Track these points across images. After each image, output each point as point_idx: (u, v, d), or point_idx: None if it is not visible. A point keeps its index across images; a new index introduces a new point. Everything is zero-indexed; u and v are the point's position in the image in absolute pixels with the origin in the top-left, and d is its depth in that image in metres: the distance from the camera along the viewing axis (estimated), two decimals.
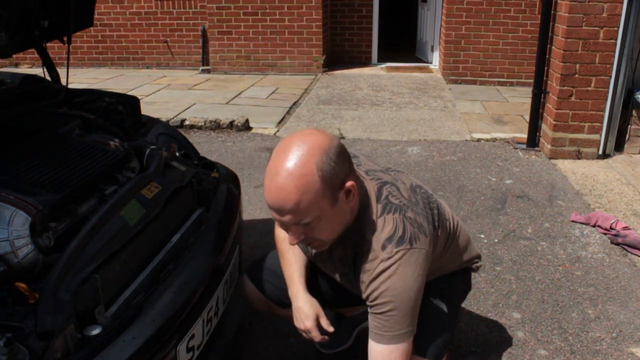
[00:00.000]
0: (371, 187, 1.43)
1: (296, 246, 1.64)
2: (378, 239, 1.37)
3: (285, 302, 1.73)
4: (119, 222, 1.44)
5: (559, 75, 4.09)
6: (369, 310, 1.42)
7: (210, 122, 5.08)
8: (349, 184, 1.29)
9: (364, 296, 1.41)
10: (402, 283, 1.34)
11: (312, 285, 1.73)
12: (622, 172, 3.97)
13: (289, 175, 1.22)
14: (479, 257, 1.79)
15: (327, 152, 1.24)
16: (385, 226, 1.38)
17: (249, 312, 2.22)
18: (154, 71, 7.93)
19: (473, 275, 2.61)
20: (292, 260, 1.68)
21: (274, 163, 1.25)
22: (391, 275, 1.34)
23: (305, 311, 1.60)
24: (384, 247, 1.36)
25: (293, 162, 1.22)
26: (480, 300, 2.45)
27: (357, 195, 1.34)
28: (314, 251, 1.60)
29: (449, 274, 1.71)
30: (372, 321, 1.41)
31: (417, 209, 1.44)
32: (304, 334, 1.64)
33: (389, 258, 1.34)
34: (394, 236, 1.36)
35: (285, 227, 1.34)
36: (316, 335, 1.60)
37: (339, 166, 1.26)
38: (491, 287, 2.55)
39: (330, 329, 1.60)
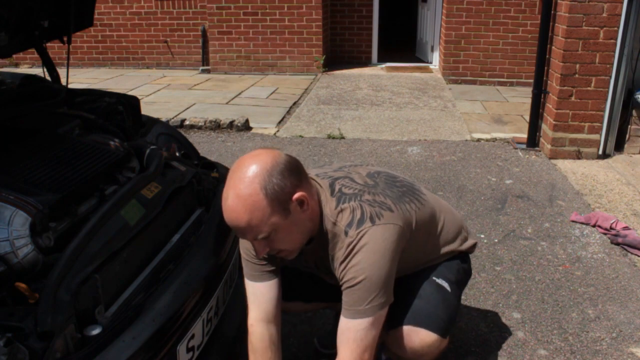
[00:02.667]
0: (324, 187, 1.51)
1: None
2: (340, 229, 1.44)
3: (290, 295, 1.73)
4: (119, 222, 1.44)
5: (559, 75, 4.09)
6: (342, 290, 1.45)
7: (210, 122, 5.08)
8: (298, 194, 1.36)
9: (339, 281, 1.45)
10: (365, 257, 1.40)
11: (308, 281, 1.75)
12: (622, 172, 3.96)
13: (236, 197, 1.32)
14: (474, 237, 1.81)
15: (270, 171, 1.33)
16: (342, 215, 1.45)
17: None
18: (154, 71, 7.93)
19: (473, 275, 2.62)
20: None
21: (225, 188, 1.35)
22: (357, 253, 1.41)
23: None
24: (346, 233, 1.43)
25: (239, 185, 1.32)
26: (480, 300, 2.45)
27: (311, 203, 1.41)
28: (302, 262, 1.63)
29: (449, 259, 1.73)
30: (343, 299, 1.44)
31: (375, 190, 1.51)
32: None
33: (352, 241, 1.41)
34: (353, 221, 1.43)
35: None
36: None
37: (283, 181, 1.34)
38: (491, 287, 2.55)
39: None
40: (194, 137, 4.79)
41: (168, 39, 8.03)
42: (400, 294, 1.54)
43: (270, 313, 1.58)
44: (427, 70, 7.80)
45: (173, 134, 2.28)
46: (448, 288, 1.66)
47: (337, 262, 1.44)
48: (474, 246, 1.81)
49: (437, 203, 1.70)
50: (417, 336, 1.53)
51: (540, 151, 4.43)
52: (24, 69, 7.85)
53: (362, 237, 1.41)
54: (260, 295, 1.58)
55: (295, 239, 1.42)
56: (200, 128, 5.07)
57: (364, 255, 1.40)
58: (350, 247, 1.41)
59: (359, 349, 1.42)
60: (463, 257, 1.77)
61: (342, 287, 1.44)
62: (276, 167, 1.34)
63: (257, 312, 1.58)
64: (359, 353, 1.42)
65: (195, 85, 6.92)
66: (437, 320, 1.56)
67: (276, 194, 1.32)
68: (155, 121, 2.35)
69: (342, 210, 1.45)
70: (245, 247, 1.59)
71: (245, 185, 1.31)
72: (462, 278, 1.75)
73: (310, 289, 1.80)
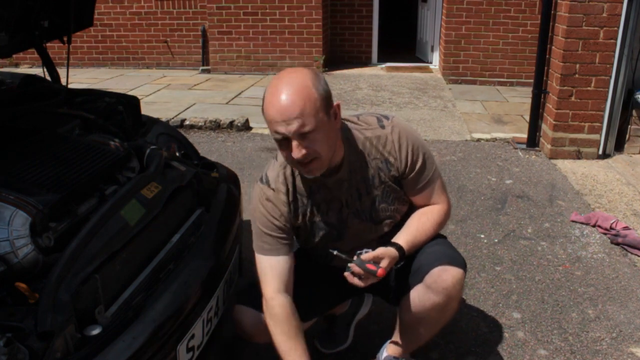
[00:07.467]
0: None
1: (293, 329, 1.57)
2: (374, 129, 1.60)
3: (301, 316, 1.66)
4: (119, 222, 1.44)
5: (559, 75, 4.09)
6: (410, 178, 1.63)
7: (210, 122, 5.08)
8: (336, 103, 1.48)
9: (405, 170, 1.61)
10: (411, 139, 1.61)
11: (300, 299, 1.70)
12: (622, 172, 3.96)
13: (291, 87, 1.40)
14: None
15: (317, 75, 1.46)
16: (368, 121, 1.62)
17: None
18: (154, 71, 7.93)
19: (473, 275, 2.62)
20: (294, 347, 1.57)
21: (273, 86, 1.43)
22: (407, 135, 1.60)
23: None
24: (382, 126, 1.60)
25: (291, 81, 1.41)
26: (480, 300, 2.45)
27: (340, 116, 1.51)
28: (348, 213, 1.65)
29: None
30: (414, 182, 1.64)
31: None
32: None
33: (392, 126, 1.60)
34: (380, 117, 1.63)
35: (286, 145, 1.43)
36: None
37: (327, 87, 1.46)
38: (491, 287, 2.55)
39: None
40: (194, 137, 4.79)
41: (168, 39, 8.02)
42: (418, 250, 1.68)
43: (287, 284, 1.61)
44: (427, 70, 7.80)
45: (173, 134, 2.28)
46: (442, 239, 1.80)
47: (392, 153, 1.60)
48: None
49: None
50: (448, 274, 1.61)
51: (540, 151, 4.43)
52: (24, 69, 7.85)
53: (397, 122, 1.62)
54: (278, 268, 1.59)
55: (330, 145, 1.47)
56: (200, 128, 5.07)
57: (409, 139, 1.60)
58: (395, 132, 1.59)
59: (445, 195, 1.71)
60: None
61: (412, 175, 1.62)
62: (319, 75, 1.46)
63: (275, 284, 1.58)
64: (447, 197, 1.73)
65: (195, 85, 6.92)
66: (458, 258, 1.68)
67: (325, 93, 1.43)
68: (155, 121, 2.35)
69: (364, 118, 1.62)
70: (263, 219, 1.60)
71: (298, 81, 1.41)
72: None
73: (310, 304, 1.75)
